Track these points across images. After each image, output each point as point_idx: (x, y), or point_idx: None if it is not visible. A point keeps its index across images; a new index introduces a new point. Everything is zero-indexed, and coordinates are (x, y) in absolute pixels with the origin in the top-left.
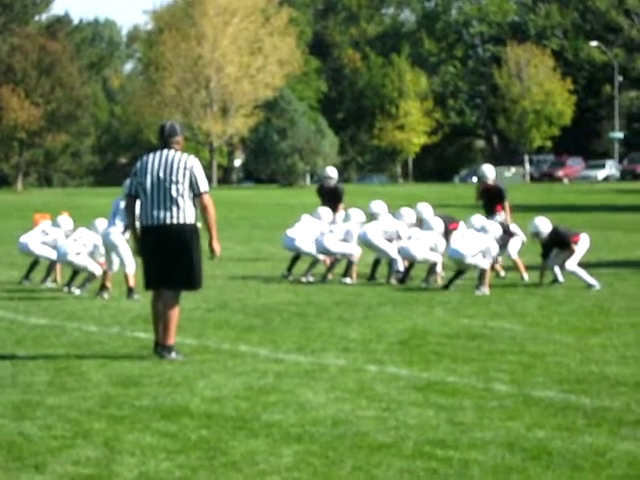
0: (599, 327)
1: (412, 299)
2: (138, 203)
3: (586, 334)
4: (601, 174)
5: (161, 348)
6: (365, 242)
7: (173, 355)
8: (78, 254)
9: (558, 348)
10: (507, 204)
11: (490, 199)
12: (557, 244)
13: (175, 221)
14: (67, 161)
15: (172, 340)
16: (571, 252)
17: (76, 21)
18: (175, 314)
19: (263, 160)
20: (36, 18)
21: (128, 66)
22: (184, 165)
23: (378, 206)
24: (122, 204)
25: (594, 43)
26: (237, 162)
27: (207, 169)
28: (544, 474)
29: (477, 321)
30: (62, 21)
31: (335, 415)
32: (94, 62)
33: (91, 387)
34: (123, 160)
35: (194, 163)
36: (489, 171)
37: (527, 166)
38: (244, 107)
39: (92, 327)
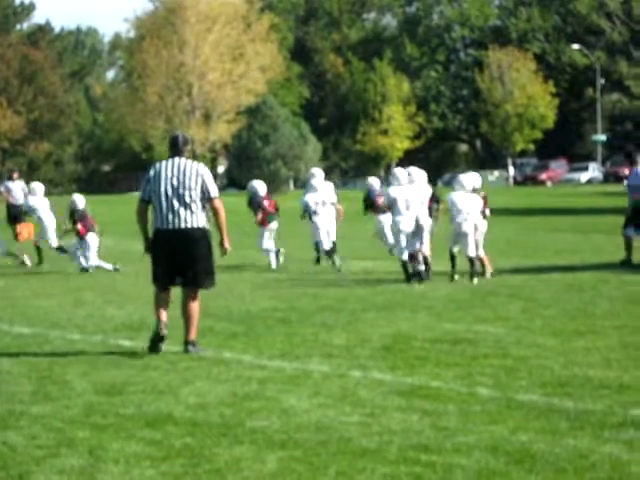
0: (583, 330)
1: (395, 304)
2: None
3: (570, 337)
4: (584, 177)
5: (185, 343)
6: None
7: (198, 349)
8: None
9: (541, 351)
10: None
11: None
12: None
13: (190, 225)
14: (50, 169)
15: (194, 335)
16: None
17: (58, 29)
18: (197, 310)
19: (246, 166)
20: (17, 27)
21: (110, 74)
22: (196, 172)
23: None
24: None
25: (576, 46)
26: (220, 169)
27: None
28: (527, 478)
29: (461, 325)
30: (44, 30)
31: (319, 421)
32: (76, 70)
33: (75, 396)
34: (106, 168)
35: (204, 171)
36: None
37: (511, 170)
38: (227, 113)
39: (75, 335)
